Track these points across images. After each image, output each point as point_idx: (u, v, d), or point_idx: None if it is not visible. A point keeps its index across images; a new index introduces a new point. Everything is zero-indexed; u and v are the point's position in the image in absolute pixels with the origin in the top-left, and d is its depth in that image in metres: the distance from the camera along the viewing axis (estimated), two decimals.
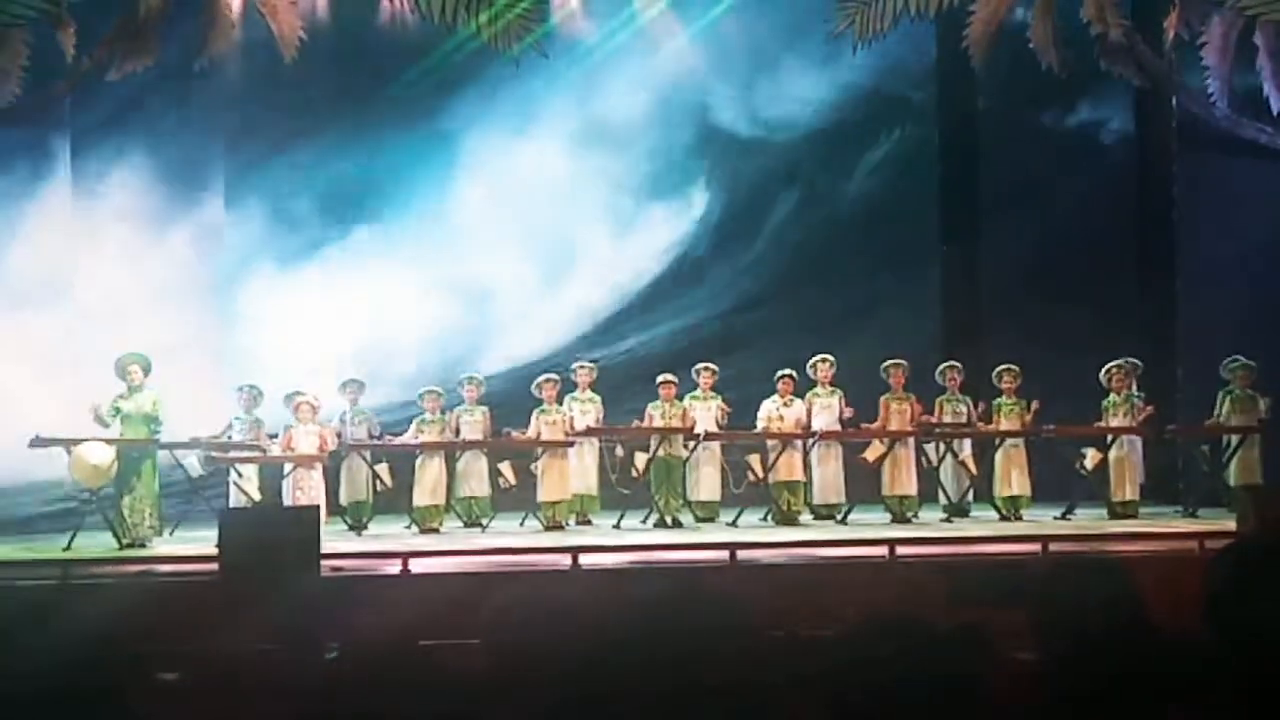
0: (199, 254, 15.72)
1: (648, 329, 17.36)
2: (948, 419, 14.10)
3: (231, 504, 12.99)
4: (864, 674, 2.92)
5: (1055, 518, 13.68)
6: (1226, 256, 15.53)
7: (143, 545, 12.19)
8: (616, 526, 13.63)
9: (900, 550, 11.10)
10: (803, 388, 14.17)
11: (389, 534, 13.48)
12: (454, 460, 14.07)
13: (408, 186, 16.58)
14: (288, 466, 13.38)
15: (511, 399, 14.95)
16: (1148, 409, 14.05)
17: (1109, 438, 13.96)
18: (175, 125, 15.27)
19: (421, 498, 13.87)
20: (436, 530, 13.76)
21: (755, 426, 14.14)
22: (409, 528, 13.85)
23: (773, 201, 17.50)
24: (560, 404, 14.10)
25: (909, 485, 13.94)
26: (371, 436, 14.09)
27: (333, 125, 16.11)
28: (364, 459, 13.94)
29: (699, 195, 17.44)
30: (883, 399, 14.10)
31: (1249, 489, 12.91)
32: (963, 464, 14.12)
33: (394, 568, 10.78)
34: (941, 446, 14.09)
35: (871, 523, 13.54)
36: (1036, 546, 11.28)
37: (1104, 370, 14.06)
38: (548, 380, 14.18)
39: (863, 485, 14.04)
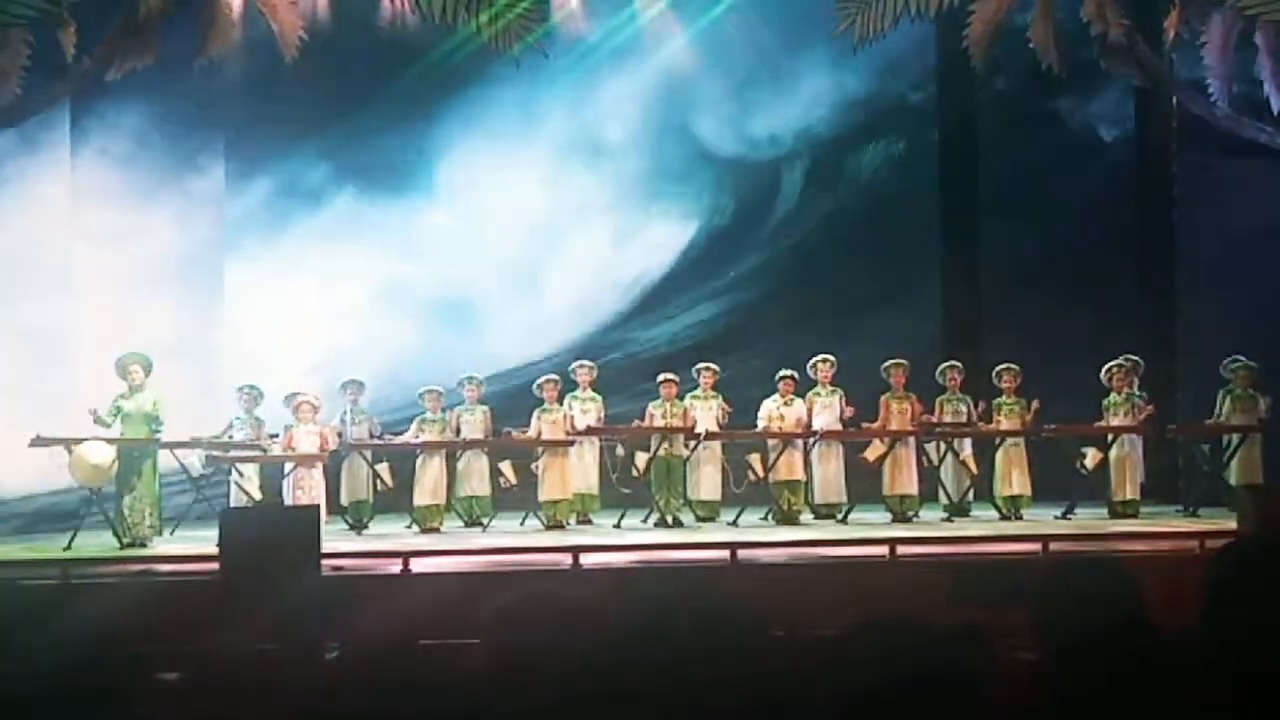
0: (198, 253, 15.73)
1: (648, 328, 17.37)
2: (948, 418, 14.10)
3: (232, 503, 13.00)
4: (864, 674, 2.92)
5: (1056, 517, 13.67)
6: (1227, 256, 15.53)
7: (143, 545, 12.19)
8: (617, 526, 13.63)
9: (901, 550, 11.10)
10: (804, 387, 14.17)
11: (389, 533, 13.47)
12: (454, 460, 14.08)
13: (408, 185, 16.60)
14: (288, 466, 13.38)
15: (509, 399, 14.97)
16: (1148, 408, 14.05)
17: (1109, 437, 13.96)
18: (174, 123, 15.27)
19: (422, 497, 13.87)
20: (437, 530, 13.77)
21: (756, 426, 14.14)
22: (409, 527, 13.85)
23: (774, 202, 17.51)
24: (561, 403, 14.10)
25: (910, 485, 13.94)
26: (372, 436, 14.09)
27: (334, 124, 16.13)
28: (364, 458, 13.94)
29: (700, 196, 17.45)
30: (883, 398, 14.10)
31: (1249, 489, 12.90)
32: (963, 463, 14.12)
33: (395, 567, 10.77)
34: (942, 446, 14.08)
35: (872, 522, 13.54)
36: (1037, 546, 11.28)
37: (1105, 369, 14.06)
38: (548, 380, 14.18)
39: (863, 485, 14.04)
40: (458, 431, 14.07)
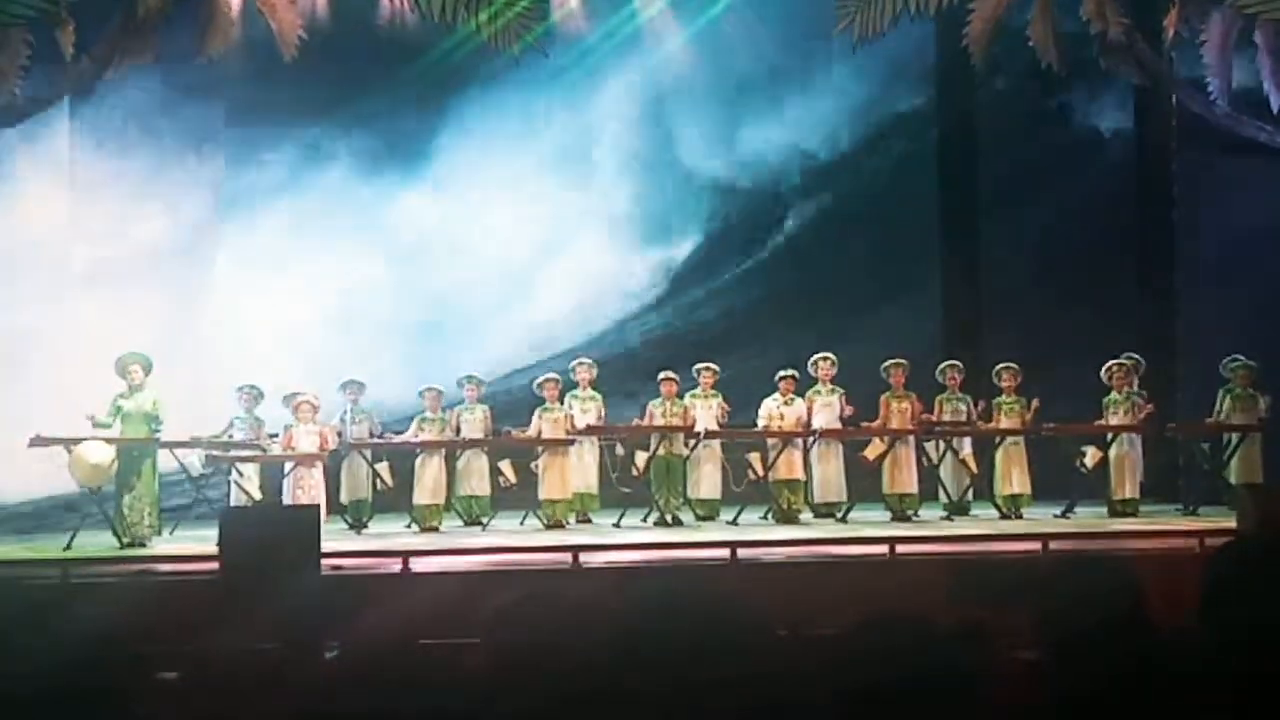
0: (197, 252, 15.74)
1: (648, 327, 17.36)
2: (948, 417, 14.10)
3: (232, 503, 13.00)
4: (864, 673, 2.92)
5: (1055, 516, 13.68)
6: (1226, 255, 15.53)
7: (142, 544, 12.19)
8: (617, 525, 13.63)
9: (900, 549, 11.10)
10: (804, 386, 14.18)
11: (389, 533, 13.48)
12: (454, 459, 14.08)
13: (408, 184, 16.60)
14: (288, 465, 13.38)
15: (510, 398, 14.98)
16: (1148, 407, 14.05)
17: (1109, 436, 13.96)
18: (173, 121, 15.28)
19: (422, 496, 13.87)
20: (437, 529, 13.77)
21: (756, 425, 14.15)
22: (409, 526, 13.85)
23: (774, 202, 17.51)
24: (562, 402, 14.10)
25: (909, 483, 13.94)
26: (372, 435, 14.09)
27: (333, 124, 16.13)
28: (364, 458, 13.94)
29: (699, 195, 17.44)
30: (883, 397, 14.10)
31: (1249, 487, 12.90)
32: (963, 462, 14.12)
33: (394, 566, 10.77)
34: (942, 445, 14.09)
35: (872, 521, 13.54)
36: (1037, 545, 11.27)
37: (1105, 367, 14.06)
38: (549, 379, 14.18)
39: (863, 484, 14.04)
40: (457, 431, 14.07)
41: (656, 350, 16.59)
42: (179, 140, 15.52)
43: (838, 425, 14.02)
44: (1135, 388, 14.19)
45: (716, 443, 14.09)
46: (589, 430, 14.00)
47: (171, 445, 12.95)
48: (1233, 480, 13.68)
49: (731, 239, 17.52)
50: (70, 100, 14.39)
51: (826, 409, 14.05)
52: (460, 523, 13.99)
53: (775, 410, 14.03)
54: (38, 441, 12.10)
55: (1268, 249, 15.11)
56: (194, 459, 13.38)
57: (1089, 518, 13.60)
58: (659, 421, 13.98)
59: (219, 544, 9.83)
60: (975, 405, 14.13)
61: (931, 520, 13.65)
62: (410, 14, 14.08)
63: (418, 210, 16.65)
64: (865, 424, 14.07)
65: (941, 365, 14.38)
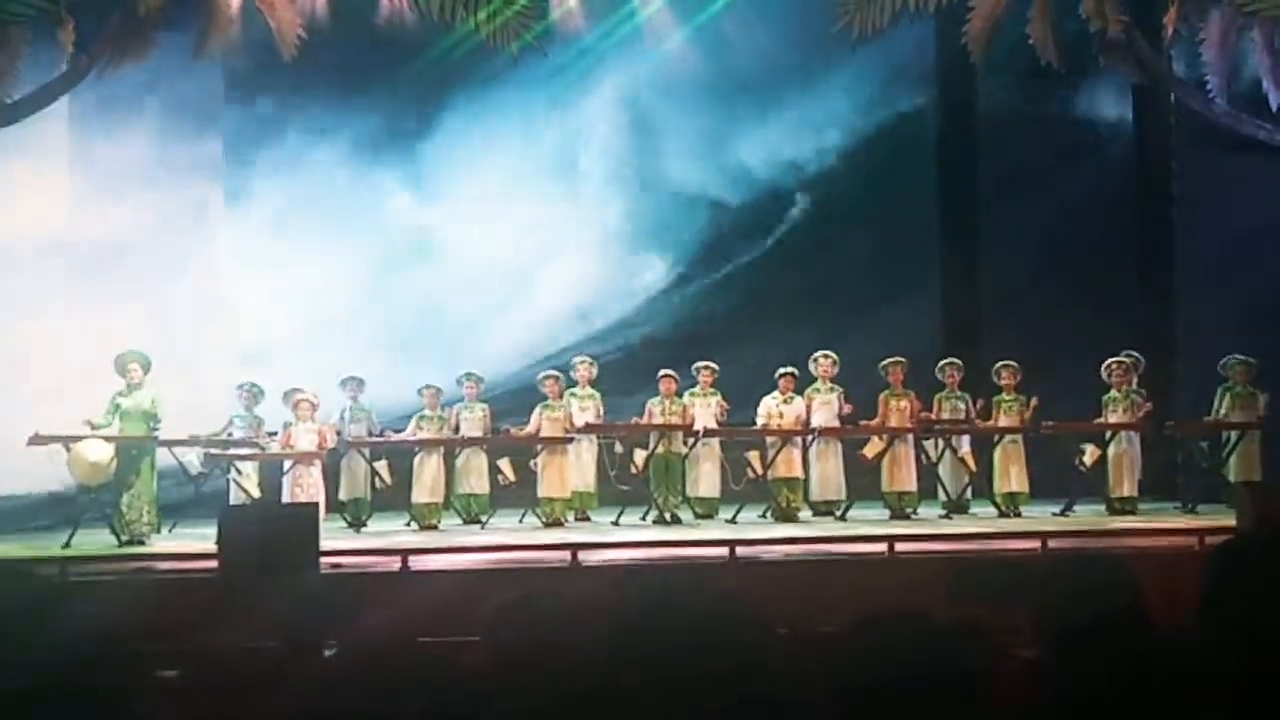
0: (198, 251, 15.75)
1: (648, 326, 17.36)
2: (946, 416, 14.11)
3: (231, 501, 13.00)
4: (863, 671, 2.92)
5: (1054, 514, 13.69)
6: (1226, 253, 15.52)
7: (141, 542, 12.20)
8: (615, 523, 13.63)
9: (899, 547, 11.10)
10: (804, 384, 14.18)
11: (388, 531, 13.48)
12: (453, 457, 14.08)
13: (407, 183, 16.60)
14: (287, 464, 13.39)
15: (511, 397, 14.98)
16: (1147, 405, 14.05)
17: (1108, 434, 13.97)
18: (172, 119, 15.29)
19: (421, 495, 13.88)
20: (435, 527, 13.77)
21: (754, 423, 14.15)
22: (408, 525, 13.85)
23: (774, 200, 17.50)
24: (562, 399, 14.10)
25: (908, 481, 13.95)
26: (370, 434, 14.09)
27: (333, 123, 16.13)
28: (363, 456, 13.94)
29: (700, 193, 17.44)
30: (882, 396, 14.11)
31: (1248, 485, 12.90)
32: (962, 460, 14.13)
33: (393, 565, 10.77)
34: (940, 443, 14.09)
35: (871, 519, 13.55)
36: (1036, 543, 11.28)
37: (1104, 365, 14.07)
38: (550, 376, 14.19)
39: (862, 482, 14.05)
40: (456, 429, 14.07)
41: (656, 349, 16.57)
42: (179, 136, 15.49)
43: (836, 424, 14.02)
44: (1134, 386, 14.19)
45: (715, 441, 14.09)
46: (588, 428, 14.00)
47: (170, 443, 12.95)
48: (1231, 478, 13.68)
49: (731, 237, 17.50)
50: (69, 98, 14.38)
51: (825, 407, 14.06)
52: (459, 521, 14.00)
53: (774, 408, 14.04)
54: (37, 440, 12.10)
55: (1267, 247, 15.11)
56: (193, 457, 13.37)
57: (1088, 516, 13.61)
58: (658, 420, 13.98)
59: (218, 542, 9.83)
60: (974, 403, 14.14)
61: (930, 518, 13.65)
62: (409, 12, 14.05)
63: (417, 210, 16.65)
64: (864, 422, 14.08)
65: (940, 363, 14.39)
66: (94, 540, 12.15)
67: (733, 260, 17.54)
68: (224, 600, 8.80)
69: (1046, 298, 16.26)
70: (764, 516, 13.95)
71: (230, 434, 13.49)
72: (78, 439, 12.10)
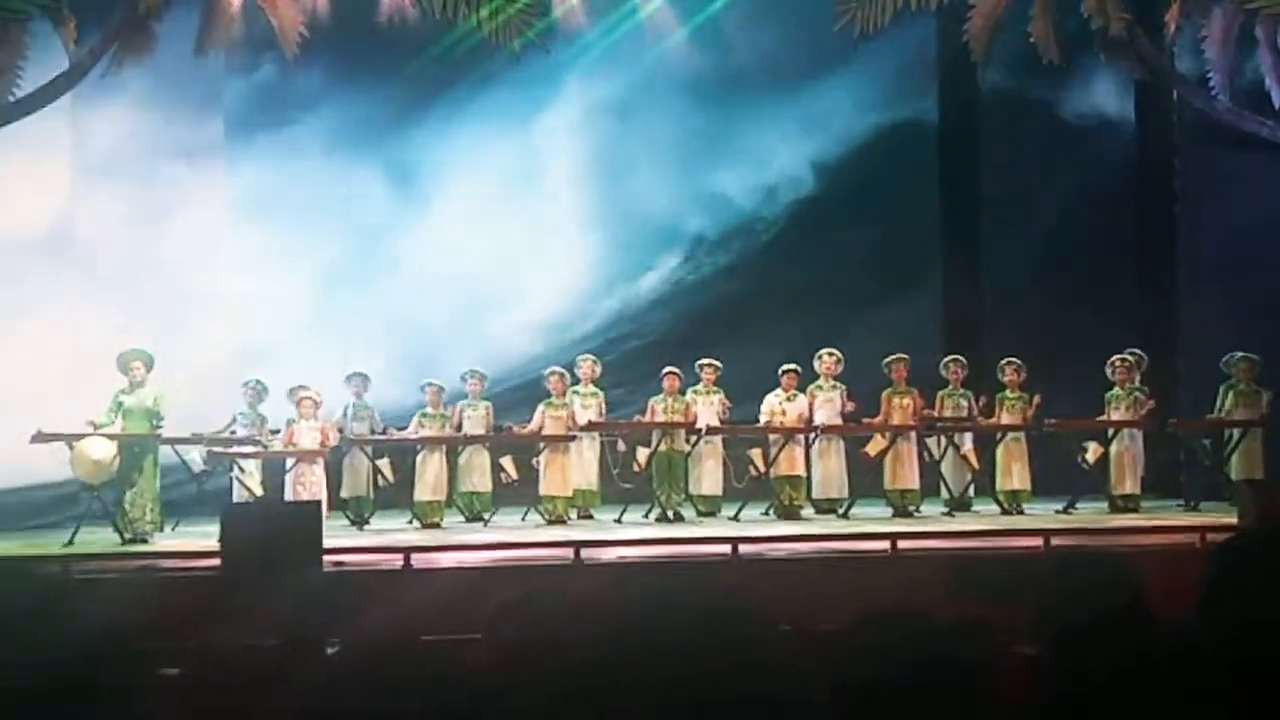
0: (198, 250, 15.76)
1: (648, 324, 17.35)
2: (949, 413, 14.11)
3: (234, 499, 13.01)
4: (865, 668, 2.92)
5: (1057, 511, 13.69)
6: (1228, 251, 15.52)
7: (144, 540, 12.21)
8: (618, 521, 13.64)
9: (902, 544, 11.12)
10: (807, 381, 14.18)
11: (390, 529, 13.49)
12: (456, 455, 14.08)
13: (407, 181, 16.60)
14: (289, 462, 13.39)
15: (514, 393, 14.99)
16: (1149, 402, 14.05)
17: (1110, 431, 13.97)
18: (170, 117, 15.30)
19: (423, 493, 13.88)
20: (438, 525, 13.77)
21: (757, 421, 14.15)
22: (411, 523, 13.86)
23: (777, 197, 17.49)
24: (565, 397, 14.11)
25: (911, 479, 13.95)
26: (373, 432, 14.08)
27: (338, 121, 16.13)
28: (365, 454, 13.94)
29: (700, 193, 17.43)
30: (885, 393, 14.11)
31: (1250, 483, 12.92)
32: (964, 458, 14.13)
33: (396, 563, 10.78)
34: (943, 441, 14.09)
35: (873, 517, 13.56)
36: (1038, 540, 11.29)
37: (1109, 362, 14.07)
38: (555, 373, 14.20)
39: (864, 480, 14.05)
40: (459, 426, 14.06)
41: (655, 348, 16.57)
42: (180, 134, 15.50)
43: (838, 421, 14.02)
44: (1137, 383, 14.19)
45: (718, 439, 14.09)
46: (590, 426, 14.00)
47: (173, 441, 12.96)
48: (1234, 476, 13.69)
49: (732, 235, 17.49)
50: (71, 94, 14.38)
51: (828, 405, 14.06)
52: (462, 519, 14.00)
53: (777, 406, 14.04)
54: (40, 438, 12.12)
55: (1269, 244, 15.10)
56: (195, 455, 13.39)
57: (1090, 513, 13.61)
58: (660, 417, 13.99)
59: (221, 540, 9.86)
60: (976, 401, 14.14)
61: (933, 516, 13.67)
62: (411, 9, 14.03)
63: (418, 209, 16.63)
64: (867, 420, 14.08)
65: (944, 360, 14.39)
66: (97, 538, 12.16)
67: (734, 257, 17.52)
68: (226, 598, 8.82)
69: (1048, 295, 16.26)
70: (766, 514, 13.95)
71: (233, 431, 13.51)
72: (80, 437, 12.11)
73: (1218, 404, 14.06)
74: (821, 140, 17.17)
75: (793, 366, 14.15)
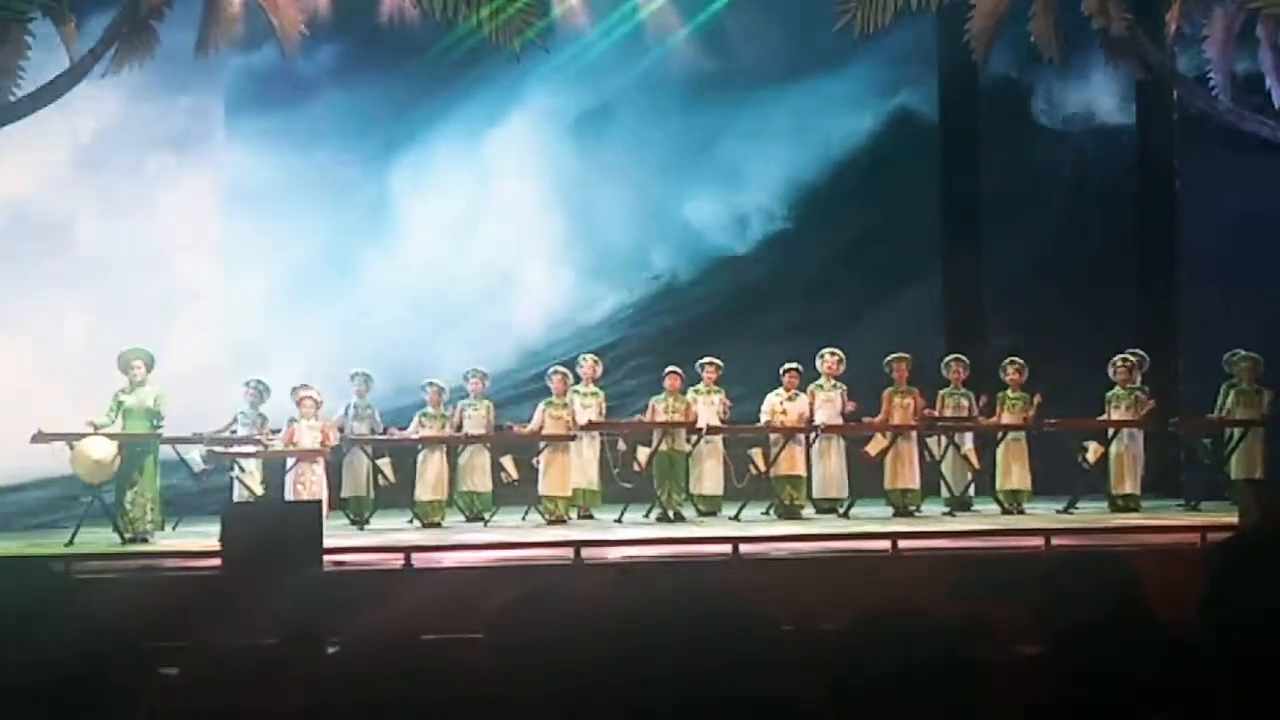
0: (199, 248, 15.76)
1: (649, 323, 17.36)
2: (950, 413, 14.11)
3: (235, 499, 13.01)
4: (865, 668, 2.92)
5: (1057, 511, 13.69)
6: (1228, 250, 15.52)
7: (144, 540, 12.21)
8: (619, 521, 13.64)
9: (902, 544, 11.12)
10: (809, 380, 14.18)
11: (391, 529, 13.49)
12: (456, 455, 14.08)
13: (405, 181, 16.61)
14: (290, 461, 13.39)
15: (515, 391, 14.99)
16: (1150, 402, 14.06)
17: (1111, 431, 13.97)
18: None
19: (423, 492, 13.87)
20: (438, 525, 13.77)
21: (758, 420, 14.15)
22: (411, 522, 13.86)
23: (777, 196, 17.49)
24: (566, 396, 14.10)
25: (911, 479, 13.95)
26: (373, 431, 14.08)
27: (339, 120, 16.15)
28: (366, 454, 13.94)
29: (701, 191, 17.43)
30: (885, 393, 14.11)
31: (1251, 483, 12.92)
32: (965, 458, 14.13)
33: (396, 562, 10.79)
34: (943, 440, 14.09)
35: (874, 516, 13.56)
36: (1039, 540, 11.29)
37: (1110, 362, 14.07)
38: (557, 372, 14.20)
39: (865, 479, 14.05)
40: (459, 426, 14.06)
41: (656, 347, 16.57)
42: (180, 132, 15.51)
43: (840, 421, 14.02)
44: (1138, 383, 14.19)
45: (718, 438, 14.09)
46: (590, 426, 14.00)
47: (174, 441, 12.95)
48: (1234, 475, 13.68)
49: (732, 234, 17.49)
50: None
51: (828, 404, 14.06)
52: (462, 518, 14.00)
53: (778, 405, 14.04)
54: (40, 438, 12.12)
55: (1269, 244, 15.11)
56: (195, 454, 13.39)
57: (1090, 513, 13.61)
58: (661, 417, 13.99)
59: (221, 539, 9.88)
60: (977, 400, 14.14)
61: (933, 515, 13.67)
62: (411, 9, 14.02)
63: (418, 209, 16.63)
64: (867, 419, 14.08)
65: (945, 359, 14.40)
66: (97, 538, 12.16)
67: (734, 256, 17.51)
68: (227, 597, 8.82)
69: (1049, 294, 16.27)
70: (767, 514, 13.95)
71: (234, 431, 13.51)
72: (81, 437, 12.11)
73: (1219, 403, 14.06)
74: (822, 140, 17.17)
75: (794, 365, 14.15)
